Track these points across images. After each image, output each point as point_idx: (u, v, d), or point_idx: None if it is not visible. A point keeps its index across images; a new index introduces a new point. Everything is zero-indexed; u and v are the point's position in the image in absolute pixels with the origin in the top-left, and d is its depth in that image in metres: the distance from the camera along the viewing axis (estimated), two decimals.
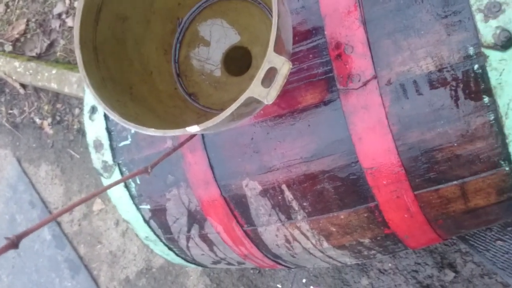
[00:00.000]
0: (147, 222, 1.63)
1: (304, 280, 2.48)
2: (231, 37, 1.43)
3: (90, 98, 1.63)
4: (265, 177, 1.36)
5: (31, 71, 3.49)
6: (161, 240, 1.68)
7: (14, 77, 3.59)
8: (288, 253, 1.53)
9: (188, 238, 1.61)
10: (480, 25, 1.09)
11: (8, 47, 3.71)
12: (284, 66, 0.96)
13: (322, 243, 1.45)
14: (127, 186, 1.59)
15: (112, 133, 1.57)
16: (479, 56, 1.11)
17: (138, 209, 1.60)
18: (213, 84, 1.44)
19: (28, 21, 3.64)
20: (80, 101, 3.37)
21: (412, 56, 1.16)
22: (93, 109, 1.61)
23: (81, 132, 3.36)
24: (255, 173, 1.37)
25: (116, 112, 1.10)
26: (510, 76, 1.07)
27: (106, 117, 1.58)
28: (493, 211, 1.31)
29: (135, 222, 1.65)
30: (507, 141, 1.13)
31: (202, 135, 1.41)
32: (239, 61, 1.44)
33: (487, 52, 1.09)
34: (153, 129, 1.06)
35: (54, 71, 3.37)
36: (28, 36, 3.63)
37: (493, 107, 1.12)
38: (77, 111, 3.40)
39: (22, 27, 3.64)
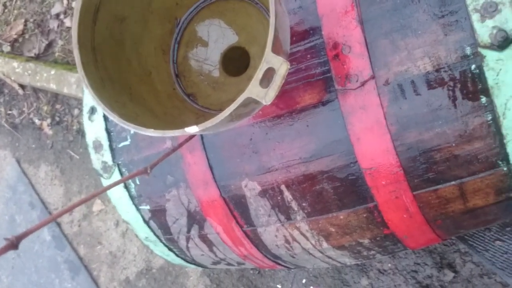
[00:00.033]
0: (147, 222, 1.63)
1: (304, 281, 2.48)
2: (229, 38, 1.44)
3: (89, 98, 1.63)
4: (264, 177, 1.36)
5: (29, 72, 3.49)
6: (161, 241, 1.69)
7: (12, 78, 3.59)
8: (288, 253, 1.54)
9: (187, 239, 1.61)
10: (477, 25, 1.09)
11: (7, 48, 3.71)
12: (282, 67, 0.96)
13: (322, 244, 1.45)
14: (126, 187, 1.59)
15: (112, 133, 1.57)
16: (476, 56, 1.11)
17: (138, 209, 1.61)
18: (211, 85, 1.44)
19: (26, 21, 3.63)
20: (79, 101, 3.37)
21: (409, 56, 1.16)
22: (93, 110, 1.61)
23: (81, 132, 3.36)
24: (254, 174, 1.37)
25: (116, 113, 1.10)
26: (507, 76, 1.08)
27: (105, 117, 1.58)
28: (492, 211, 1.31)
29: (135, 223, 1.65)
30: (504, 141, 1.13)
31: (201, 135, 1.41)
32: (237, 62, 1.45)
33: (484, 52, 1.09)
34: (152, 130, 1.06)
35: (52, 72, 3.36)
36: (26, 36, 3.63)
37: (491, 107, 1.12)
38: (76, 111, 3.40)
39: (20, 27, 3.64)
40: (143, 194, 1.57)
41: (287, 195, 1.36)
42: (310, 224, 1.40)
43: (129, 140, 1.54)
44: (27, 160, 3.66)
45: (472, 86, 1.12)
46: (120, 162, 1.56)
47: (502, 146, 1.15)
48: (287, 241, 1.48)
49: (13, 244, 0.85)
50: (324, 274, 2.42)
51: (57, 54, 3.45)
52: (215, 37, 1.44)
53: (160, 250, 1.75)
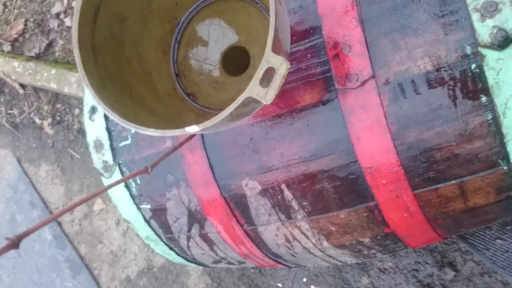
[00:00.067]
0: (147, 221, 1.63)
1: (304, 279, 2.48)
2: (229, 37, 1.44)
3: (89, 98, 1.63)
4: (265, 176, 1.36)
5: (30, 71, 3.49)
6: (161, 240, 1.69)
7: (13, 77, 3.59)
8: (288, 252, 1.54)
9: (188, 238, 1.61)
10: (477, 24, 1.09)
11: (7, 47, 3.71)
12: (282, 66, 0.96)
13: (322, 243, 1.45)
14: (127, 186, 1.59)
15: (112, 133, 1.57)
16: (476, 55, 1.11)
17: (139, 208, 1.61)
18: (211, 84, 1.44)
19: (26, 21, 3.64)
20: (80, 101, 3.37)
21: (409, 55, 1.16)
22: (93, 109, 1.61)
23: (81, 132, 3.36)
24: (255, 173, 1.37)
25: (116, 112, 1.10)
26: (507, 75, 1.08)
27: (106, 117, 1.58)
28: (492, 210, 1.31)
29: (136, 222, 1.65)
30: (505, 140, 1.13)
31: (202, 135, 1.41)
32: (237, 61, 1.45)
33: (484, 51, 1.09)
34: (152, 129, 1.06)
35: (53, 71, 3.37)
36: (27, 36, 3.63)
37: (491, 106, 1.12)
38: (77, 111, 3.40)
39: (20, 27, 3.64)
40: (144, 193, 1.57)
41: (288, 194, 1.36)
42: (310, 223, 1.40)
43: (129, 139, 1.54)
44: (28, 160, 3.67)
45: (472, 85, 1.12)
46: (120, 162, 1.57)
47: (502, 145, 1.15)
48: (287, 240, 1.48)
49: (14, 244, 0.85)
50: (324, 273, 2.42)
51: (57, 53, 3.45)
52: (215, 36, 1.44)
53: (161, 249, 1.75)
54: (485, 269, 2.08)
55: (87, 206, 3.33)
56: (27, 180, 3.62)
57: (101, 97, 1.12)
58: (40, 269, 3.44)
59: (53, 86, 3.36)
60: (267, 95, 0.97)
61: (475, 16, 1.09)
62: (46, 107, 3.53)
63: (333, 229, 1.40)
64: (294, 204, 1.37)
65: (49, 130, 3.53)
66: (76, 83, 3.25)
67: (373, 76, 1.19)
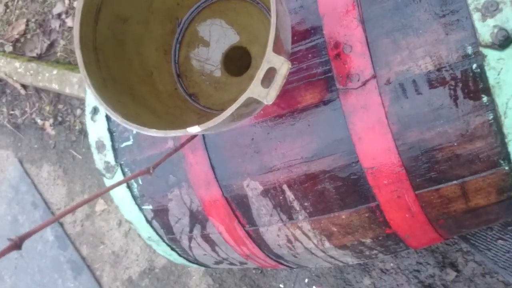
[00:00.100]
0: (149, 222, 1.63)
1: (306, 280, 2.48)
2: (230, 37, 1.44)
3: (91, 98, 1.64)
4: (266, 177, 1.36)
5: (31, 72, 3.49)
6: (163, 241, 1.69)
7: (14, 78, 3.59)
8: (290, 253, 1.54)
9: (190, 238, 1.61)
10: (478, 24, 1.09)
11: (9, 48, 3.71)
12: (283, 66, 0.96)
13: (324, 243, 1.45)
14: (129, 187, 1.59)
15: (114, 134, 1.57)
16: (477, 55, 1.11)
17: (141, 209, 1.61)
18: (213, 85, 1.44)
19: (28, 21, 3.64)
20: (82, 101, 3.37)
21: (411, 55, 1.16)
22: (95, 110, 1.61)
23: (83, 132, 3.36)
24: (256, 173, 1.37)
25: (118, 113, 1.10)
26: (508, 75, 1.08)
27: (108, 118, 1.58)
28: (494, 210, 1.31)
29: (138, 223, 1.65)
30: (506, 140, 1.13)
31: (203, 135, 1.41)
32: (238, 61, 1.45)
33: (485, 51, 1.09)
34: (154, 130, 1.06)
35: (55, 72, 3.37)
36: (28, 36, 3.64)
37: (492, 106, 1.12)
38: (78, 111, 3.40)
39: (22, 27, 3.64)
40: (146, 194, 1.57)
41: (289, 194, 1.37)
42: (312, 224, 1.40)
43: (131, 140, 1.54)
44: (30, 160, 3.67)
45: (473, 85, 1.12)
46: (122, 162, 1.57)
47: (504, 145, 1.15)
48: (289, 240, 1.48)
49: (17, 245, 0.85)
50: (326, 274, 2.42)
51: (59, 54, 3.45)
52: (217, 37, 1.44)
53: (163, 250, 1.75)
54: (486, 269, 2.08)
55: (89, 207, 3.33)
56: (29, 180, 3.62)
57: (103, 97, 1.12)
58: (42, 270, 3.44)
59: (55, 86, 3.36)
60: (269, 96, 0.97)
61: (476, 16, 1.09)
62: (47, 108, 3.54)
63: (335, 229, 1.40)
64: (296, 204, 1.37)
65: (50, 131, 3.54)
66: (77, 84, 3.25)
67: (374, 76, 1.19)
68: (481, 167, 1.20)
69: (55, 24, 3.49)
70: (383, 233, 1.39)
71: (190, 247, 1.67)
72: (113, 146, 1.58)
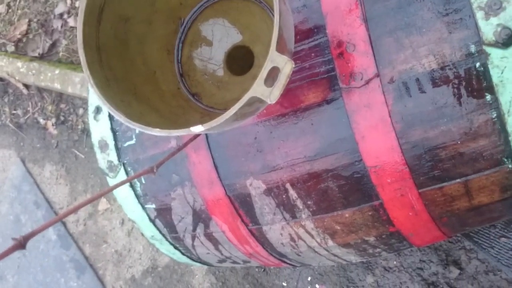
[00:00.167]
0: (152, 221, 1.63)
1: (309, 278, 2.48)
2: (233, 37, 1.44)
3: (94, 98, 1.64)
4: (269, 176, 1.36)
5: (34, 72, 3.49)
6: (166, 239, 1.69)
7: (17, 78, 3.59)
8: (293, 251, 1.54)
9: (193, 237, 1.61)
10: (481, 22, 1.09)
11: (11, 48, 3.72)
12: (286, 66, 0.96)
13: (327, 242, 1.45)
14: (132, 186, 1.59)
15: (117, 133, 1.57)
16: (480, 53, 1.11)
17: (144, 208, 1.61)
18: (216, 84, 1.44)
19: (30, 21, 3.64)
20: (84, 101, 3.37)
21: (414, 54, 1.16)
22: (98, 109, 1.61)
23: (86, 132, 3.36)
24: (259, 172, 1.37)
25: (121, 112, 1.10)
26: (511, 73, 1.08)
27: (111, 117, 1.58)
28: (497, 208, 1.31)
29: (141, 222, 1.65)
30: (509, 138, 1.13)
31: (206, 134, 1.41)
32: (241, 61, 1.45)
33: (488, 49, 1.09)
34: (158, 129, 1.06)
35: (57, 71, 3.37)
36: (30, 36, 3.64)
37: (495, 104, 1.12)
38: (81, 111, 3.40)
39: (24, 27, 3.65)
40: (149, 193, 1.57)
41: (292, 193, 1.37)
42: (315, 222, 1.40)
43: (134, 139, 1.54)
44: (32, 160, 3.67)
45: (476, 83, 1.12)
46: (125, 161, 1.57)
47: (507, 143, 1.15)
48: (292, 239, 1.48)
49: (21, 244, 0.85)
50: (329, 272, 2.42)
51: (61, 53, 3.46)
52: (219, 36, 1.44)
53: (166, 249, 1.75)
54: (489, 267, 2.08)
55: (91, 206, 3.34)
56: (32, 180, 3.62)
57: (106, 97, 1.12)
58: (45, 269, 3.44)
59: (57, 86, 3.36)
60: (272, 95, 0.97)
61: (479, 15, 1.09)
62: (50, 107, 3.54)
63: (338, 228, 1.40)
64: (299, 203, 1.37)
65: (53, 130, 3.54)
66: (80, 83, 3.25)
67: (377, 75, 1.19)
68: (484, 165, 1.20)
69: (57, 24, 3.49)
70: (387, 231, 1.39)
71: (193, 246, 1.67)
72: (116, 146, 1.58)
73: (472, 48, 1.11)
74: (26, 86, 3.64)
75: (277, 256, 1.61)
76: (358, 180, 1.29)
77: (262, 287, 2.62)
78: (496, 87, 1.10)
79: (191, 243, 1.65)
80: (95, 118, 1.62)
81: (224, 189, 1.43)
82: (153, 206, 1.58)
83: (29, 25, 3.64)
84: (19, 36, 3.67)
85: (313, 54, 1.27)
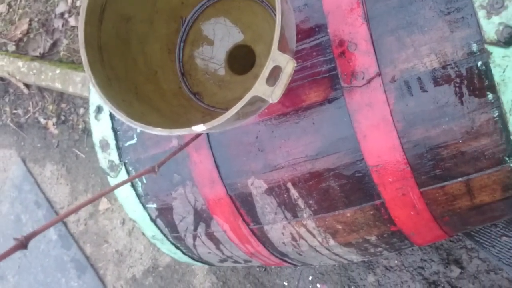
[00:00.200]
0: (153, 221, 1.63)
1: (310, 278, 2.48)
2: (235, 36, 1.44)
3: (95, 97, 1.63)
4: (271, 175, 1.36)
5: (34, 71, 3.49)
6: (168, 239, 1.69)
7: (17, 77, 3.59)
8: (295, 251, 1.54)
9: (194, 237, 1.61)
10: (483, 21, 1.09)
11: (11, 47, 3.71)
12: (288, 65, 0.96)
13: (329, 241, 1.45)
14: (133, 186, 1.59)
15: (118, 132, 1.57)
16: (482, 52, 1.11)
17: (145, 208, 1.61)
18: (217, 83, 1.44)
19: (30, 20, 3.64)
20: (85, 100, 3.37)
21: (416, 53, 1.16)
22: (99, 109, 1.61)
23: (86, 131, 3.36)
24: (260, 172, 1.37)
25: (123, 112, 1.10)
26: None
27: (112, 116, 1.58)
28: (499, 207, 1.31)
29: (142, 221, 1.65)
30: (511, 137, 1.13)
31: (207, 134, 1.41)
32: (242, 60, 1.45)
33: (490, 48, 1.09)
34: (159, 129, 1.06)
35: (58, 71, 3.37)
36: (31, 35, 3.64)
37: (497, 103, 1.12)
38: (81, 110, 3.40)
39: (25, 26, 3.64)
40: (150, 192, 1.57)
41: (294, 192, 1.36)
42: (316, 222, 1.40)
43: (135, 139, 1.54)
44: (33, 159, 3.67)
45: (478, 82, 1.12)
46: (126, 161, 1.57)
47: (509, 142, 1.15)
48: (293, 238, 1.48)
49: (22, 244, 0.85)
50: (330, 271, 2.42)
51: (62, 53, 3.46)
52: (221, 35, 1.44)
53: (167, 248, 1.75)
54: (491, 266, 2.07)
55: (92, 206, 3.34)
56: (32, 180, 3.62)
57: (107, 96, 1.12)
58: (46, 269, 3.44)
59: (58, 85, 3.36)
60: (274, 94, 0.97)
61: (481, 13, 1.09)
62: (50, 107, 3.54)
63: (340, 227, 1.40)
64: (300, 202, 1.37)
65: (54, 130, 3.54)
66: (80, 83, 3.25)
67: (379, 74, 1.18)
68: (486, 164, 1.19)
69: (58, 23, 3.49)
70: (388, 230, 1.39)
71: (194, 246, 1.67)
72: (117, 145, 1.58)
73: (474, 47, 1.11)
74: (27, 85, 3.64)
75: (278, 256, 1.60)
76: (360, 179, 1.28)
77: (263, 287, 2.62)
78: (498, 86, 1.10)
79: (192, 242, 1.65)
80: (96, 117, 1.62)
81: (226, 188, 1.43)
82: (154, 205, 1.58)
83: (30, 24, 3.64)
84: (20, 36, 3.66)
85: (314, 53, 1.27)
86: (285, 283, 2.55)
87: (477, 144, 1.17)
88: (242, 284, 2.68)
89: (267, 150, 1.34)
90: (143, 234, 1.74)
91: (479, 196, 1.27)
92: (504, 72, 1.08)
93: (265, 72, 0.97)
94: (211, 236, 1.59)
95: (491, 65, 1.09)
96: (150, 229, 1.67)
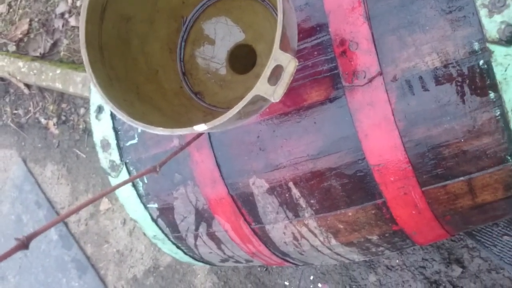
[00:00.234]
0: (155, 221, 1.63)
1: (311, 277, 2.48)
2: (236, 35, 1.44)
3: (96, 97, 1.63)
4: (272, 175, 1.36)
5: (35, 71, 3.49)
6: (169, 239, 1.69)
7: (18, 77, 3.59)
8: (296, 250, 1.54)
9: (196, 237, 1.61)
10: (485, 20, 1.09)
11: (12, 47, 3.71)
12: (290, 64, 0.96)
13: (330, 240, 1.45)
14: (134, 185, 1.59)
15: (119, 132, 1.57)
16: (484, 51, 1.10)
17: (146, 208, 1.61)
18: (218, 83, 1.44)
19: (31, 21, 3.64)
20: (85, 100, 3.37)
21: (417, 52, 1.16)
22: (100, 109, 1.61)
23: (87, 131, 3.36)
24: (262, 171, 1.37)
25: (124, 112, 1.10)
26: None
27: (113, 116, 1.58)
28: (501, 206, 1.31)
29: (143, 221, 1.65)
30: None
31: (209, 133, 1.41)
32: (244, 59, 1.45)
33: (492, 47, 1.09)
34: (161, 128, 1.06)
35: (58, 71, 3.37)
36: (32, 36, 3.64)
37: (499, 102, 1.11)
38: (82, 110, 3.40)
39: (25, 27, 3.64)
40: (151, 192, 1.57)
41: (295, 192, 1.36)
42: (318, 221, 1.40)
43: (136, 138, 1.54)
44: (33, 160, 3.67)
45: (480, 81, 1.12)
46: (127, 161, 1.57)
47: (511, 141, 1.15)
48: (295, 238, 1.48)
49: (24, 244, 0.85)
50: (331, 271, 2.42)
51: (62, 53, 3.46)
52: (222, 35, 1.44)
53: (168, 248, 1.75)
54: (492, 265, 2.07)
55: (93, 206, 3.34)
56: (33, 180, 3.62)
57: (108, 96, 1.12)
58: (46, 269, 3.44)
59: (58, 85, 3.36)
60: (276, 93, 0.96)
61: (483, 12, 1.09)
62: (51, 107, 3.54)
63: (341, 226, 1.40)
64: (302, 202, 1.37)
65: (54, 130, 3.54)
66: (81, 83, 3.25)
67: (380, 73, 1.18)
68: (488, 163, 1.19)
69: (58, 23, 3.49)
70: (390, 229, 1.39)
71: (195, 245, 1.67)
72: (118, 145, 1.58)
73: (476, 46, 1.11)
74: (28, 86, 3.64)
75: (280, 255, 1.60)
76: (361, 178, 1.28)
77: (264, 287, 2.62)
78: (500, 85, 1.10)
79: (193, 242, 1.65)
80: (97, 117, 1.62)
81: (227, 188, 1.43)
82: (156, 205, 1.58)
83: (30, 24, 3.64)
84: (20, 36, 3.66)
85: (315, 53, 1.27)
86: (286, 283, 2.55)
87: (479, 143, 1.17)
88: (243, 284, 2.68)
89: (269, 150, 1.34)
90: (144, 234, 1.73)
91: (481, 195, 1.27)
92: (506, 71, 1.08)
93: (267, 71, 0.97)
94: (212, 236, 1.59)
95: (493, 64, 1.09)
96: (151, 229, 1.67)
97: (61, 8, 3.46)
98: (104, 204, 3.27)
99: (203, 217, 1.53)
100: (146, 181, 1.57)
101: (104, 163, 1.61)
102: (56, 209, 3.49)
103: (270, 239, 1.51)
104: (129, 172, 1.57)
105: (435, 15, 1.14)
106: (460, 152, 1.19)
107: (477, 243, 1.84)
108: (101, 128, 1.60)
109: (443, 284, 2.15)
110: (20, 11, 3.70)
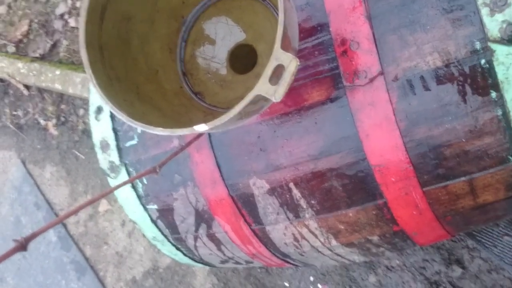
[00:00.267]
0: (154, 222, 1.63)
1: (311, 278, 2.48)
2: (236, 35, 1.43)
3: (96, 98, 1.63)
4: (273, 175, 1.36)
5: (34, 72, 3.49)
6: (168, 240, 1.68)
7: (17, 78, 3.59)
8: (297, 251, 1.53)
9: (195, 238, 1.61)
10: (486, 19, 1.09)
11: (11, 48, 3.71)
12: (291, 63, 0.96)
13: (331, 241, 1.45)
14: (134, 186, 1.58)
15: (119, 133, 1.57)
16: (485, 50, 1.10)
17: (145, 209, 1.60)
18: (219, 83, 1.44)
19: (30, 22, 3.64)
20: (85, 101, 3.37)
21: (418, 51, 1.15)
22: (99, 109, 1.61)
23: (86, 132, 3.36)
24: (262, 172, 1.36)
25: (124, 112, 1.10)
26: None
27: (112, 117, 1.58)
28: (502, 206, 1.31)
29: (142, 222, 1.65)
30: None
31: (209, 134, 1.41)
32: (244, 59, 1.44)
33: (493, 46, 1.09)
34: (161, 128, 1.06)
35: (57, 72, 3.36)
36: (31, 37, 3.63)
37: (501, 102, 1.11)
38: (81, 111, 3.39)
39: (24, 28, 3.64)
40: (151, 193, 1.57)
41: (296, 192, 1.36)
42: (319, 222, 1.40)
43: (136, 139, 1.53)
44: (33, 161, 3.66)
45: (482, 81, 1.12)
46: (127, 162, 1.56)
47: None
48: (295, 239, 1.47)
49: (22, 246, 0.85)
50: (332, 272, 2.42)
51: (62, 54, 3.45)
52: (222, 34, 1.44)
53: (168, 250, 1.75)
54: (492, 266, 2.07)
55: (92, 207, 3.33)
56: (32, 181, 3.62)
57: (108, 96, 1.12)
58: (45, 271, 3.44)
59: (58, 86, 3.36)
60: (277, 93, 0.96)
61: (484, 11, 1.08)
62: (50, 108, 3.53)
63: (342, 227, 1.40)
64: (302, 202, 1.37)
65: (53, 131, 3.53)
66: (80, 84, 3.25)
67: (381, 73, 1.18)
68: (489, 163, 1.19)
69: (58, 24, 3.48)
70: (391, 230, 1.38)
71: (195, 247, 1.67)
72: (117, 146, 1.58)
73: (477, 45, 1.11)
74: (27, 87, 3.64)
75: (280, 256, 1.60)
76: (362, 179, 1.28)
77: None
78: (502, 84, 1.09)
79: (193, 244, 1.65)
80: (96, 118, 1.61)
81: (227, 188, 1.43)
82: (155, 206, 1.58)
83: (29, 25, 3.63)
84: (19, 37, 3.66)
85: (316, 52, 1.27)
86: (287, 284, 2.55)
87: (481, 143, 1.16)
88: (243, 285, 2.68)
89: (269, 150, 1.34)
90: (144, 235, 1.73)
91: (482, 196, 1.26)
92: (507, 70, 1.08)
93: (268, 70, 0.96)
94: (212, 237, 1.58)
95: (495, 63, 1.09)
96: (150, 230, 1.66)
97: (61, 9, 3.46)
98: (103, 205, 3.27)
99: (203, 218, 1.52)
100: (145, 182, 1.56)
101: (103, 164, 1.61)
102: (55, 211, 3.48)
103: (271, 240, 1.51)
104: (128, 173, 1.57)
105: (436, 14, 1.14)
106: (462, 152, 1.18)
107: (477, 243, 1.84)
108: (101, 129, 1.60)
109: (443, 285, 2.15)
110: (20, 12, 3.70)
